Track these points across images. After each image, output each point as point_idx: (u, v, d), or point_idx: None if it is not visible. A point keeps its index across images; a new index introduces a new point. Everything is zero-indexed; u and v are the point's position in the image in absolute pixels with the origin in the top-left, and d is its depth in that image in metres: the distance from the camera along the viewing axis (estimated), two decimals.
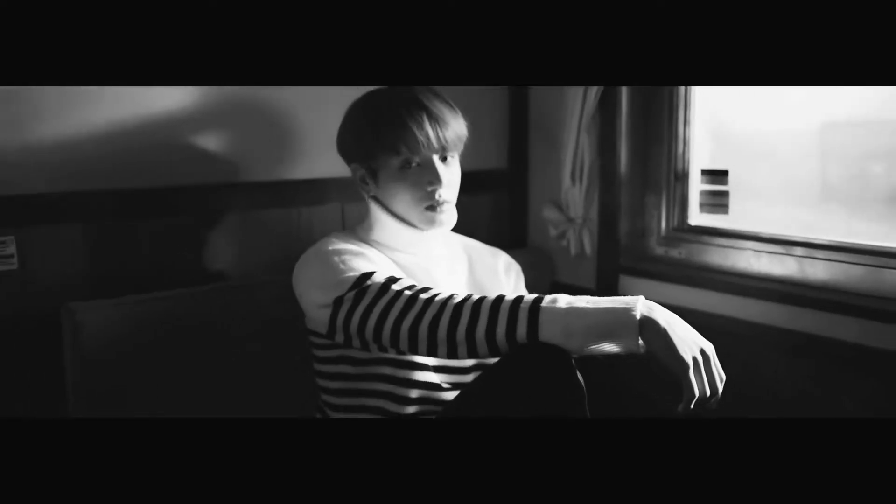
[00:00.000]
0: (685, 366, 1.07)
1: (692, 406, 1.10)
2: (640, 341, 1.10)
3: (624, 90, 1.74)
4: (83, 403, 1.35)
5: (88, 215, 1.45)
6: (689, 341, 1.10)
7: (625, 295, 1.27)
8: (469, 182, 1.87)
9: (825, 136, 1.59)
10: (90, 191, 1.44)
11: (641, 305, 1.12)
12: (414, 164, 1.33)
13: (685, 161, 1.76)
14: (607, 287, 1.80)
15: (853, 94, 1.49)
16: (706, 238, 1.73)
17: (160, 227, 1.52)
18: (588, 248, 1.82)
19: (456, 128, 1.35)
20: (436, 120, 1.31)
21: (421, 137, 1.30)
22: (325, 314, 1.30)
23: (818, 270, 1.55)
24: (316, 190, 1.65)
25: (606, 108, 1.75)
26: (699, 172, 1.75)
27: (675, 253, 1.78)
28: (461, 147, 1.39)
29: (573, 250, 1.84)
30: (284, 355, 1.51)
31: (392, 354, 1.32)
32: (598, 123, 1.76)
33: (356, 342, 1.28)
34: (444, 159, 1.35)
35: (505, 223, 1.98)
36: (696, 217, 1.77)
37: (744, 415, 1.54)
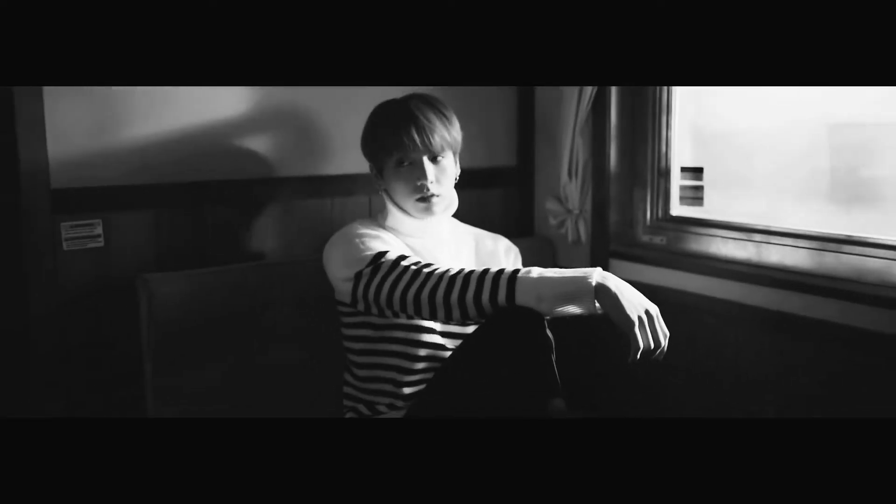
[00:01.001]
0: (631, 323, 1.34)
1: (640, 357, 1.36)
2: (597, 304, 1.37)
3: (613, 97, 2.01)
4: (155, 353, 1.66)
5: (159, 203, 1.77)
6: (635, 303, 1.36)
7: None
8: (483, 178, 2.17)
9: (789, 135, 1.82)
10: (160, 184, 1.76)
11: (597, 275, 1.38)
12: (406, 164, 1.62)
13: (667, 159, 2.02)
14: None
15: (817, 96, 1.72)
16: (685, 227, 1.99)
17: (217, 213, 1.84)
18: (583, 236, 2.09)
19: (444, 133, 1.62)
20: (422, 128, 1.59)
21: (408, 142, 1.59)
22: (348, 286, 1.59)
23: (771, 254, 1.80)
24: (346, 184, 1.95)
25: (598, 113, 2.01)
26: (679, 169, 2.01)
27: (658, 240, 2.03)
28: (453, 148, 1.66)
29: (570, 238, 2.10)
30: (318, 321, 1.81)
31: (403, 319, 1.61)
32: (590, 126, 2.02)
33: (374, 309, 1.57)
34: (433, 159, 1.63)
35: (514, 214, 2.25)
36: (677, 209, 2.03)
37: (710, 372, 1.81)
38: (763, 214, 1.84)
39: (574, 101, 1.98)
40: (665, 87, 1.99)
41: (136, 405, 1.72)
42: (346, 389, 1.75)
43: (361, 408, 1.70)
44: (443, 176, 1.66)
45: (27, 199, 1.65)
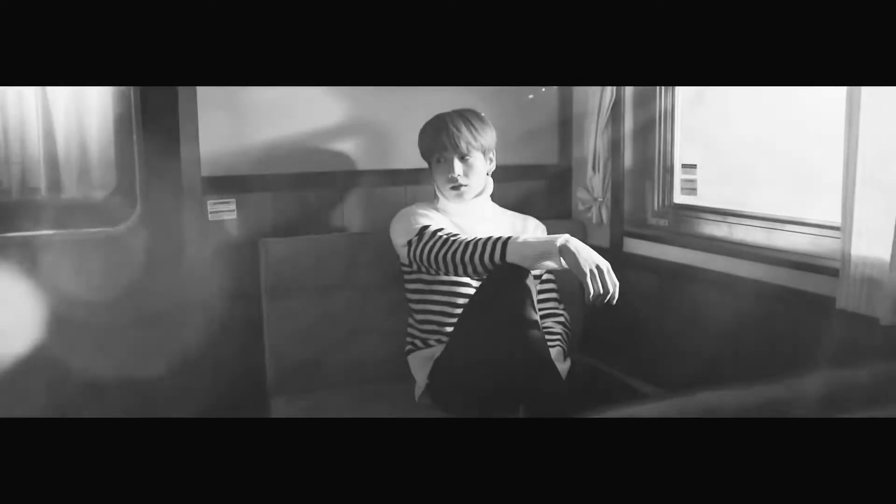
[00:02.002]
0: (584, 273, 1.87)
1: (594, 301, 1.89)
2: (562, 260, 1.91)
3: (627, 107, 2.51)
4: (270, 292, 2.33)
5: (275, 187, 2.43)
6: (589, 259, 1.88)
7: (628, 252, 2.29)
8: (529, 173, 2.72)
9: (766, 134, 2.27)
10: (276, 174, 2.43)
11: (562, 239, 1.91)
12: (442, 161, 2.21)
13: (671, 157, 2.50)
14: (616, 246, 2.57)
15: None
16: (684, 212, 2.47)
17: (315, 196, 2.48)
18: (605, 219, 2.59)
19: (469, 139, 2.18)
20: (451, 135, 2.16)
21: (440, 145, 2.18)
22: (404, 251, 2.20)
23: (745, 233, 2.26)
24: (415, 175, 2.54)
25: (615, 120, 2.51)
26: (680, 166, 2.49)
27: (662, 222, 2.52)
28: (481, 149, 2.20)
29: (595, 220, 2.61)
30: (388, 276, 2.42)
31: (442, 276, 2.20)
32: (609, 131, 2.53)
33: (422, 268, 2.17)
34: (461, 158, 2.20)
35: (555, 202, 2.78)
36: (679, 197, 2.51)
37: (697, 319, 2.26)
38: (733, 199, 2.31)
39: (595, 111, 2.50)
40: (670, 98, 2.48)
41: (256, 325, 2.38)
42: (408, 329, 2.36)
43: (418, 342, 2.30)
44: (470, 171, 2.22)
45: (186, 184, 2.36)
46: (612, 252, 2.54)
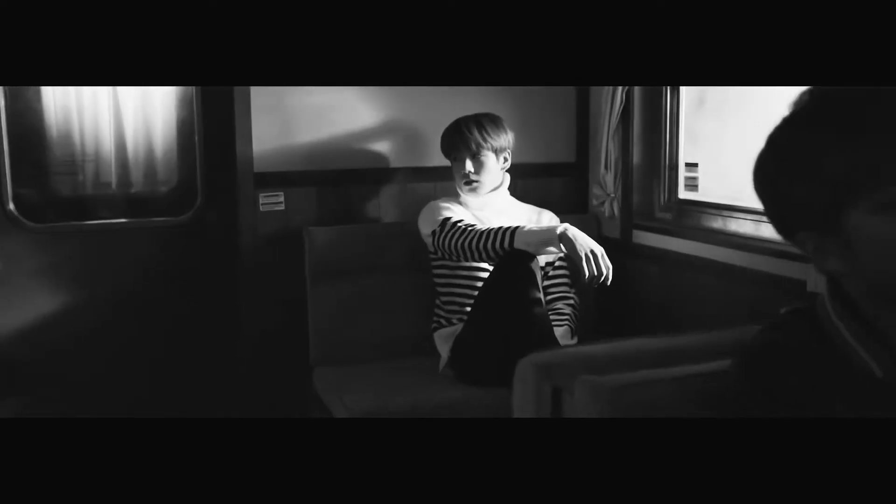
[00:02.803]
0: (579, 256, 2.14)
1: (589, 281, 2.16)
2: (562, 246, 2.18)
3: (636, 110, 2.76)
4: (312, 275, 2.64)
5: (318, 182, 2.75)
6: (584, 245, 2.15)
7: (637, 243, 2.54)
8: (549, 170, 2.98)
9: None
10: (319, 170, 2.74)
11: (562, 227, 2.18)
12: (457, 160, 2.50)
13: (675, 157, 2.75)
14: (625, 237, 2.82)
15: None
16: (686, 206, 2.71)
17: (354, 190, 2.79)
18: (616, 213, 2.84)
19: (480, 140, 2.45)
20: (463, 136, 2.45)
21: (453, 146, 2.47)
22: (430, 240, 2.49)
23: (737, 225, 2.50)
24: (444, 171, 2.82)
25: (625, 122, 2.77)
26: (684, 164, 2.74)
27: (667, 216, 2.77)
28: (493, 150, 2.48)
29: (607, 214, 2.87)
30: (417, 260, 2.70)
31: (463, 262, 2.48)
32: (620, 133, 2.78)
33: (445, 255, 2.46)
34: (473, 157, 2.48)
35: (572, 197, 3.04)
36: (682, 193, 2.75)
37: (693, 299, 2.50)
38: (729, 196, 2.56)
39: (606, 114, 2.76)
40: (675, 101, 2.73)
41: (301, 304, 2.70)
42: (435, 310, 2.64)
43: (442, 321, 2.59)
44: (482, 169, 2.50)
45: (240, 179, 2.68)
46: (621, 243, 2.80)
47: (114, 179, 2.82)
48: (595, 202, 2.93)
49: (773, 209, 0.97)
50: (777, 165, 0.94)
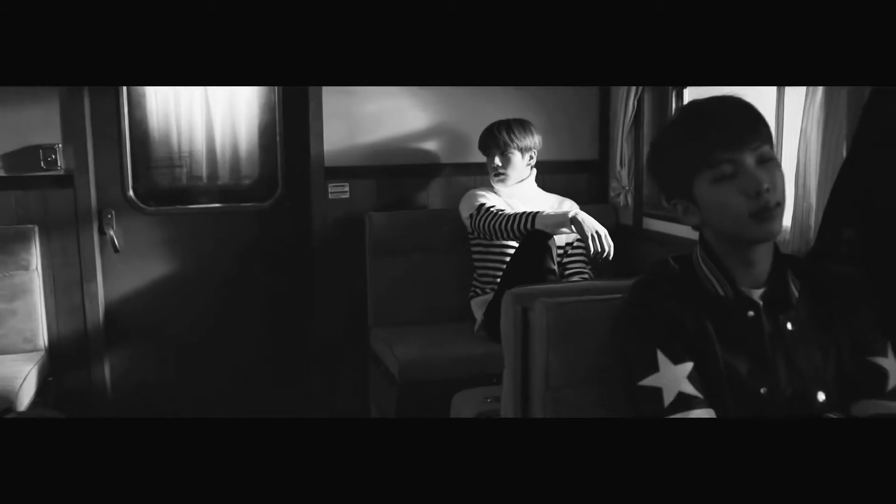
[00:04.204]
0: (586, 236, 2.64)
1: (594, 256, 2.65)
2: (573, 227, 2.68)
3: (646, 115, 3.23)
4: (371, 251, 3.20)
5: (377, 175, 3.30)
6: (591, 226, 2.64)
7: (647, 228, 3.00)
8: (575, 167, 3.48)
9: None
10: (378, 165, 3.29)
11: (573, 212, 2.68)
12: (489, 156, 3.02)
13: None
14: (637, 224, 3.30)
15: None
16: None
17: (407, 182, 3.34)
18: (630, 203, 3.32)
19: (507, 140, 2.96)
20: (494, 137, 2.97)
21: (485, 144, 2.99)
22: (468, 222, 3.02)
23: None
24: (482, 167, 3.33)
25: (636, 125, 3.25)
26: None
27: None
28: (519, 149, 2.98)
29: (622, 204, 3.35)
30: (459, 241, 3.23)
31: (494, 240, 3.00)
32: (633, 133, 3.26)
33: (480, 235, 2.98)
34: (501, 154, 3.00)
35: (593, 189, 3.53)
36: None
37: None
38: None
39: (621, 117, 3.24)
40: (677, 103, 3.19)
41: (361, 276, 3.25)
42: (472, 281, 3.17)
43: (478, 290, 3.11)
44: (508, 164, 3.02)
45: (313, 172, 3.25)
46: (634, 228, 3.28)
47: (204, 173, 3.40)
48: (612, 194, 3.42)
49: (658, 186, 1.47)
50: (655, 157, 1.45)
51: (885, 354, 1.39)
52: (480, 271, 3.12)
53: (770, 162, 1.34)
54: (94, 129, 3.13)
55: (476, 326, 3.03)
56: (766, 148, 1.34)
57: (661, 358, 1.32)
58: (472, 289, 3.14)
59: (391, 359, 2.91)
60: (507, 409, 1.63)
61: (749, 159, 1.32)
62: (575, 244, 3.10)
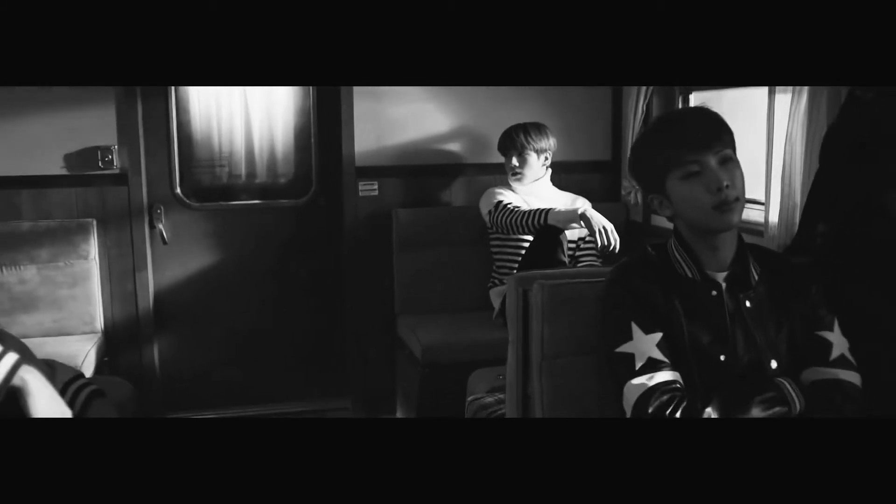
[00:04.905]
0: (594, 230, 2.87)
1: (601, 250, 2.89)
2: (582, 223, 2.92)
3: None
4: (398, 245, 3.47)
5: (404, 175, 3.56)
6: (598, 222, 2.88)
7: (654, 224, 3.23)
8: (590, 167, 3.72)
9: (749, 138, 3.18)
10: (405, 165, 3.55)
11: (582, 209, 2.91)
12: (507, 156, 3.26)
13: None
14: (646, 220, 3.52)
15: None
16: None
17: (431, 181, 3.59)
18: (639, 201, 3.55)
19: (524, 142, 3.19)
20: (512, 140, 3.21)
21: (503, 146, 3.23)
22: (487, 217, 3.27)
23: None
24: (502, 167, 3.57)
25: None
26: None
27: None
28: (535, 151, 3.22)
29: (632, 202, 3.58)
30: (479, 236, 3.48)
31: (511, 235, 3.24)
32: None
33: (498, 230, 3.23)
34: (518, 155, 3.24)
35: (606, 188, 3.76)
36: None
37: None
38: None
39: (630, 120, 3.47)
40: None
41: (388, 267, 3.51)
42: (491, 273, 3.42)
43: (496, 280, 3.36)
44: (524, 164, 3.25)
45: (345, 172, 3.52)
46: (643, 224, 3.51)
47: (243, 172, 3.68)
48: (624, 193, 3.65)
49: (638, 183, 1.71)
50: (635, 159, 1.70)
51: (830, 329, 1.61)
52: (498, 263, 3.36)
53: (730, 162, 1.57)
54: (145, 131, 3.43)
55: (494, 314, 3.27)
56: (727, 151, 1.58)
57: (635, 328, 1.56)
58: (491, 279, 3.39)
59: (415, 343, 3.17)
60: (511, 376, 1.88)
61: (712, 160, 1.56)
62: (587, 239, 3.33)
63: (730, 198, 1.56)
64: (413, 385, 3.22)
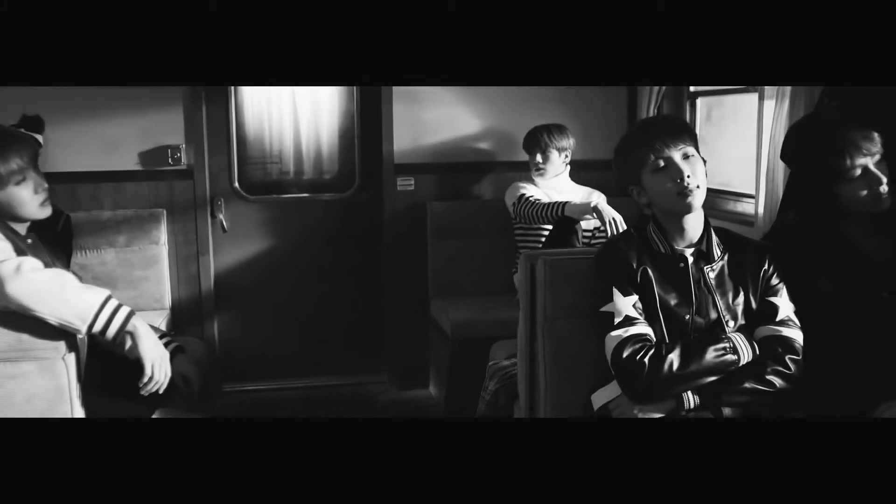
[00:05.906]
0: (605, 221, 3.21)
1: (608, 229, 3.25)
2: (594, 214, 3.28)
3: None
4: (433, 234, 3.86)
5: (437, 172, 3.94)
6: (609, 214, 3.23)
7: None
8: (607, 165, 4.06)
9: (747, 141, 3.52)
10: (439, 162, 3.94)
11: (595, 202, 3.27)
12: (531, 154, 3.62)
13: None
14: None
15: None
16: None
17: (463, 177, 3.97)
18: None
19: (546, 142, 3.55)
20: (537, 139, 3.57)
21: (527, 145, 3.59)
22: (512, 209, 3.64)
23: (725, 202, 3.51)
24: (527, 165, 3.94)
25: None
26: None
27: None
28: (556, 149, 3.58)
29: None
30: (505, 226, 3.85)
31: (532, 225, 3.61)
32: None
33: (521, 220, 3.59)
34: (541, 153, 3.61)
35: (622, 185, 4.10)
36: None
37: None
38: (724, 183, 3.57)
39: (644, 114, 3.82)
40: (693, 114, 3.75)
41: (423, 255, 3.90)
42: (515, 260, 3.79)
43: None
44: (547, 161, 3.61)
45: (385, 168, 3.92)
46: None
47: (291, 169, 4.09)
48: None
49: (620, 177, 2.08)
50: (617, 156, 2.07)
51: (779, 295, 1.97)
52: (522, 250, 3.73)
53: (692, 157, 1.94)
54: (209, 132, 3.86)
55: (517, 296, 3.63)
56: (689, 148, 1.94)
57: (615, 292, 1.93)
58: (515, 265, 3.76)
59: (446, 321, 3.56)
60: (520, 335, 2.26)
61: (676, 156, 1.92)
62: (601, 229, 3.69)
63: (690, 186, 1.91)
64: (443, 360, 3.61)
